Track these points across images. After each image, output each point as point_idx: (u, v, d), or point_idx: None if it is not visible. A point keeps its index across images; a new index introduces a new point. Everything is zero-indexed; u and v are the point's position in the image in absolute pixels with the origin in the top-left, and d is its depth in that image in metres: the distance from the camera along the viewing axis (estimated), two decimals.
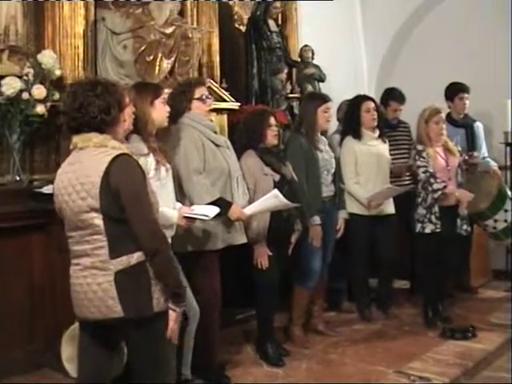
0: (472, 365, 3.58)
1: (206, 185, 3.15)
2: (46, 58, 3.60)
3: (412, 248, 4.58)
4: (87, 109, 2.18)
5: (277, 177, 3.60)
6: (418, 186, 4.19)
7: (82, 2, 3.89)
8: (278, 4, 5.21)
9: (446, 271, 4.29)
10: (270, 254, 3.53)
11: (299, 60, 5.43)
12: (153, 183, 2.82)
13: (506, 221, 4.45)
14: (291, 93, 5.31)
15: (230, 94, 4.62)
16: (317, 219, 3.83)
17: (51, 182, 3.15)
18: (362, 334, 4.16)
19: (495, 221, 4.47)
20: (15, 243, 3.39)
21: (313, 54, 5.41)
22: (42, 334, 3.41)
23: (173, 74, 4.38)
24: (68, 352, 2.57)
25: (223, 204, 3.13)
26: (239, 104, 4.67)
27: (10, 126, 3.52)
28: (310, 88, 5.33)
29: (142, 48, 4.21)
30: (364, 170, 4.32)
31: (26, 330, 3.44)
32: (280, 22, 5.47)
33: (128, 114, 2.37)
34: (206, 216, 2.91)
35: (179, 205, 3.00)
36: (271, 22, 5.17)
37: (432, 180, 4.08)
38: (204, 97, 3.32)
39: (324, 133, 4.10)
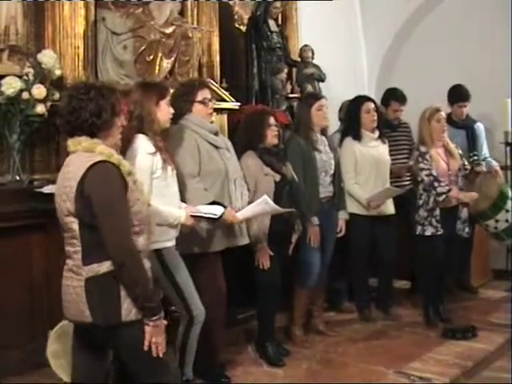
0: (472, 365, 3.58)
1: (199, 189, 3.15)
2: (46, 57, 3.59)
3: (412, 249, 4.58)
4: (79, 112, 2.20)
5: (277, 177, 3.61)
6: (419, 188, 4.19)
7: (82, 2, 3.88)
8: (278, 4, 5.20)
9: (446, 271, 4.29)
10: (272, 254, 3.53)
11: (299, 60, 5.43)
12: (159, 183, 2.84)
13: (507, 221, 4.45)
14: (291, 93, 5.31)
15: (230, 94, 4.62)
16: (315, 220, 3.83)
17: (51, 181, 3.17)
18: (362, 334, 4.16)
19: (496, 221, 4.47)
20: (15, 243, 3.39)
21: (313, 53, 5.40)
22: (41, 334, 3.40)
23: (173, 73, 4.38)
24: (53, 348, 2.60)
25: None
26: (239, 104, 4.66)
27: (10, 126, 3.51)
28: (309, 88, 5.32)
29: (142, 48, 4.21)
30: (364, 171, 4.32)
31: (26, 329, 3.44)
32: (280, 21, 5.46)
33: (124, 117, 2.37)
34: (214, 215, 2.92)
35: (184, 205, 3.00)
36: (271, 22, 5.16)
37: (436, 184, 4.08)
38: (206, 100, 3.32)
39: (324, 132, 4.10)
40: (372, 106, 4.40)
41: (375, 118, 4.38)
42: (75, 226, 2.18)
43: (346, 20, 6.36)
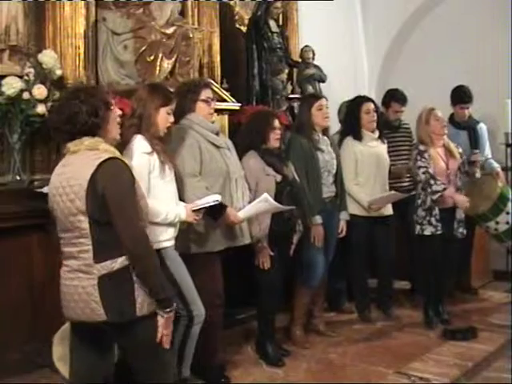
0: (472, 365, 3.58)
1: (201, 188, 3.16)
2: (47, 57, 3.60)
3: (411, 249, 4.59)
4: (76, 118, 2.20)
5: (278, 177, 3.60)
6: (418, 188, 4.19)
7: (82, 2, 3.89)
8: (278, 4, 5.20)
9: (445, 272, 4.29)
10: (272, 254, 3.53)
11: (300, 60, 5.43)
12: (157, 182, 2.84)
13: (507, 223, 4.46)
14: (292, 93, 5.31)
15: (230, 95, 4.61)
16: (318, 219, 3.83)
17: None
18: (362, 334, 4.16)
19: (497, 223, 4.48)
20: (15, 243, 3.40)
21: (313, 54, 5.40)
22: (41, 334, 3.40)
23: (173, 74, 4.37)
24: (59, 352, 2.58)
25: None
26: (240, 104, 4.66)
27: (11, 126, 3.52)
28: (310, 89, 5.32)
29: (143, 48, 4.20)
30: (364, 171, 4.32)
31: (26, 329, 3.44)
32: (281, 22, 5.47)
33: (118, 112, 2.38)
34: (216, 201, 2.92)
35: (182, 203, 3.00)
36: (272, 23, 5.16)
37: (432, 181, 4.07)
38: (209, 99, 3.33)
39: (326, 131, 4.10)
40: (372, 106, 4.41)
41: (375, 118, 4.39)
42: (85, 224, 2.18)
43: (347, 20, 6.36)
